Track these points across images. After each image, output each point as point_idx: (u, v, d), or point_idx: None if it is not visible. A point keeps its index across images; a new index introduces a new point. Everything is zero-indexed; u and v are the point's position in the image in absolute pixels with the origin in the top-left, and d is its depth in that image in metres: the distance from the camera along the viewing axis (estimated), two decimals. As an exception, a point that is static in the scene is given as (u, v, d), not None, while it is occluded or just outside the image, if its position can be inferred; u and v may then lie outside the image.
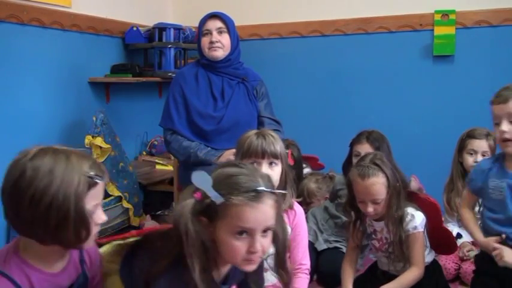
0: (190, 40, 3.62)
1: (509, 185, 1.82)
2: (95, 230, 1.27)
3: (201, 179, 1.22)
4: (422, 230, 1.99)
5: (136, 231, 1.42)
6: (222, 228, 1.23)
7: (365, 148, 2.50)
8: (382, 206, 1.96)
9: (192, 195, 1.26)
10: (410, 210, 1.99)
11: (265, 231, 1.24)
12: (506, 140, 1.80)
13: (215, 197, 1.21)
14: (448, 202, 2.62)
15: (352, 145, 2.59)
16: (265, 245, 1.25)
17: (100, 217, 1.28)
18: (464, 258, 2.45)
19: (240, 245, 1.22)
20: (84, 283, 1.37)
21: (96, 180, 1.24)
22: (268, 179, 1.28)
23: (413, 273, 1.97)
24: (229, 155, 2.46)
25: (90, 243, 1.29)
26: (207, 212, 1.23)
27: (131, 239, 1.39)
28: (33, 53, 2.83)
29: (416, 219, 1.98)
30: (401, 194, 1.98)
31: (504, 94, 1.83)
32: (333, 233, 2.64)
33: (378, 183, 1.94)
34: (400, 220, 1.97)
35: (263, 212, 1.22)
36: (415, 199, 2.06)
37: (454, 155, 2.62)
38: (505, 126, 1.79)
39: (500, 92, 1.86)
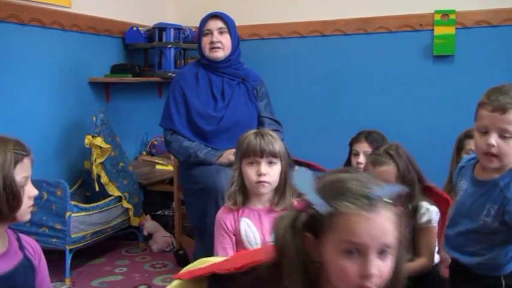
0: (190, 40, 3.62)
1: (466, 189, 1.74)
2: (28, 202, 1.41)
3: (304, 180, 1.03)
4: (436, 224, 2.01)
5: (220, 266, 1.21)
6: (329, 244, 1.00)
7: (363, 147, 2.51)
8: None
9: (293, 206, 1.08)
10: (425, 204, 2.01)
11: (382, 251, 1.00)
12: (490, 155, 1.56)
13: (319, 204, 1.00)
14: (447, 202, 2.62)
15: (351, 144, 2.60)
16: (383, 270, 1.00)
17: (31, 190, 1.42)
18: None
19: (349, 266, 0.98)
20: (29, 266, 1.44)
21: (21, 155, 1.41)
22: (385, 187, 1.06)
23: (420, 262, 1.98)
24: (229, 154, 2.46)
25: (24, 216, 1.41)
26: (312, 225, 1.03)
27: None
28: (33, 53, 2.83)
29: (431, 213, 1.99)
30: (415, 186, 2.00)
31: (502, 101, 1.53)
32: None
33: (387, 172, 1.96)
34: (414, 212, 1.99)
35: (378, 225, 0.99)
36: (430, 194, 2.07)
37: (452, 155, 2.62)
38: (493, 139, 1.54)
39: (497, 97, 1.55)
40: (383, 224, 1.00)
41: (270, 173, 1.76)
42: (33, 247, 1.48)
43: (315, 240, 1.02)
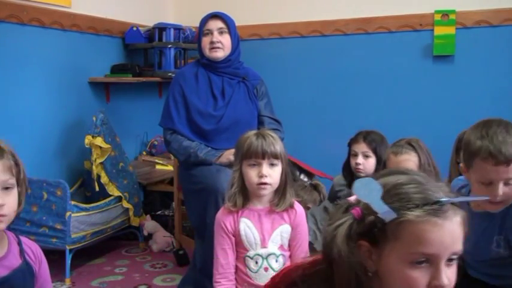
0: (190, 40, 3.62)
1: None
2: None
3: (367, 189, 0.94)
4: None
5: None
6: (392, 254, 0.93)
7: (361, 148, 2.52)
8: None
9: (342, 212, 1.00)
10: None
11: (451, 259, 0.93)
12: (496, 203, 1.50)
13: (385, 212, 0.92)
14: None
15: (349, 145, 2.60)
16: (451, 278, 0.93)
17: None
18: None
19: (418, 278, 0.91)
20: (28, 271, 1.41)
21: None
22: (448, 189, 0.98)
23: None
24: (229, 154, 2.46)
25: None
26: (370, 233, 0.95)
27: None
28: (33, 53, 2.83)
29: None
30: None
31: (506, 153, 1.43)
32: (333, 233, 2.64)
33: (408, 160, 2.01)
34: None
35: (450, 232, 0.92)
36: None
37: (451, 155, 2.62)
38: (501, 190, 1.46)
39: (499, 148, 1.43)
40: (454, 231, 0.93)
41: (272, 174, 1.76)
42: (33, 251, 1.46)
43: (372, 248, 0.95)
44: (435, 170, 2.07)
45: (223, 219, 1.81)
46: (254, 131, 1.84)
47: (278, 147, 1.78)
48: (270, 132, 1.84)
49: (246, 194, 1.81)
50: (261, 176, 1.74)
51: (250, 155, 1.76)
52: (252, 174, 1.76)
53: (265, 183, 1.75)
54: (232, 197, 1.80)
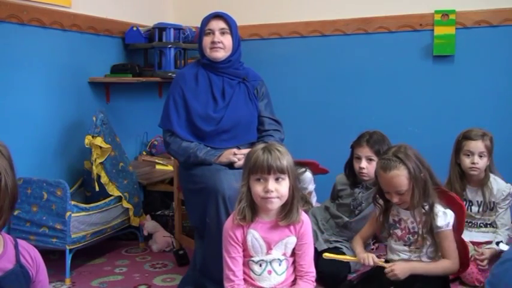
0: (190, 40, 3.62)
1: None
2: None
3: None
4: (451, 228, 2.05)
5: None
6: None
7: (364, 151, 2.53)
8: (407, 196, 2.03)
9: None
10: (440, 207, 2.03)
11: None
12: None
13: None
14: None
15: (352, 148, 2.60)
16: None
17: None
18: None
19: None
20: (22, 274, 1.41)
21: None
22: None
23: (444, 263, 2.02)
24: (228, 154, 2.46)
25: None
26: None
27: None
28: (33, 53, 2.83)
29: (448, 216, 2.03)
30: (427, 184, 2.02)
31: None
32: (334, 233, 2.65)
33: (399, 176, 2.00)
34: (431, 210, 2.02)
35: None
36: (444, 196, 2.09)
37: (451, 156, 2.63)
38: None
39: None
40: None
41: (278, 188, 1.76)
42: (32, 256, 1.46)
43: None
44: (429, 172, 2.07)
45: (233, 229, 1.83)
46: (262, 145, 1.83)
47: (285, 161, 1.77)
48: (278, 146, 1.82)
49: (254, 208, 1.82)
50: (266, 191, 1.75)
51: (256, 170, 1.76)
52: (258, 188, 1.76)
53: (270, 198, 1.75)
54: (241, 211, 1.81)
